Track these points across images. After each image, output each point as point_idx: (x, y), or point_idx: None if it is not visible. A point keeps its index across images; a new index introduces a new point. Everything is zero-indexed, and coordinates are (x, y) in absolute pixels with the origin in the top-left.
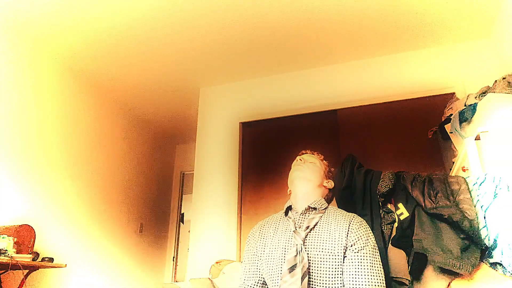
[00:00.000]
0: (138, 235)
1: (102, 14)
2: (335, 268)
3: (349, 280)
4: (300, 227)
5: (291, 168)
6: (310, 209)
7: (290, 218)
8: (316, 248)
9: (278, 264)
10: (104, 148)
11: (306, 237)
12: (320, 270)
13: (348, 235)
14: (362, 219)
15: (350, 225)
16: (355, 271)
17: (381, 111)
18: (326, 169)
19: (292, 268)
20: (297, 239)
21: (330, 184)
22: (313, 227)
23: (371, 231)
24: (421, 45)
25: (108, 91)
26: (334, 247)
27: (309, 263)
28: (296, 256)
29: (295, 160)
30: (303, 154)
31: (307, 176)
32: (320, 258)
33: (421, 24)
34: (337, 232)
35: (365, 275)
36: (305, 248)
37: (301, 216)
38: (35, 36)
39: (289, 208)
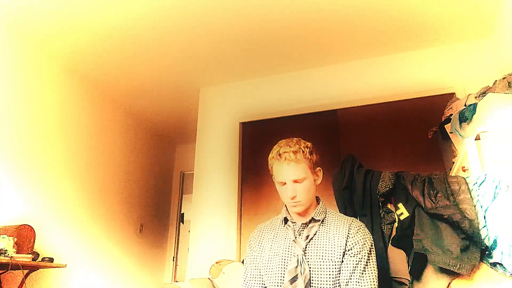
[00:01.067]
0: (138, 235)
1: (102, 14)
2: (336, 275)
3: (343, 284)
4: (300, 235)
5: (277, 171)
6: (312, 220)
7: (289, 226)
8: (317, 257)
9: (278, 273)
10: (104, 148)
11: (306, 246)
12: (321, 278)
13: (347, 240)
14: (361, 223)
15: (349, 230)
16: (349, 275)
17: (381, 111)
18: (311, 163)
19: (293, 279)
20: (297, 249)
21: (320, 176)
22: (313, 236)
23: (369, 235)
24: (421, 45)
25: (108, 91)
26: (334, 253)
27: (310, 272)
28: (297, 267)
29: (282, 182)
30: (285, 153)
31: (303, 198)
32: (321, 265)
33: (421, 24)
34: (337, 238)
35: (357, 280)
36: (306, 257)
37: (301, 225)
38: (34, 36)
39: (287, 218)
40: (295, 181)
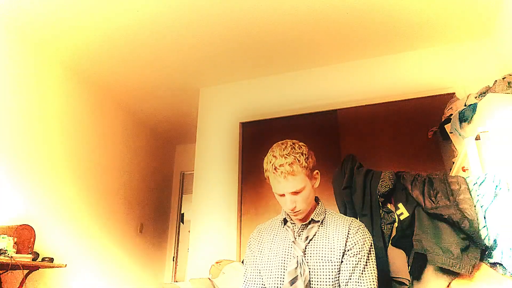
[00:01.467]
0: (138, 235)
1: (103, 15)
2: (336, 275)
3: (343, 284)
4: (299, 236)
5: (275, 178)
6: (311, 221)
7: (288, 227)
8: (316, 257)
9: (278, 275)
10: (105, 148)
11: (305, 247)
12: (321, 279)
13: (347, 240)
14: (361, 223)
15: (349, 230)
16: (349, 276)
17: (381, 111)
18: (308, 170)
19: (293, 281)
20: (297, 250)
21: (318, 179)
22: (313, 237)
23: (369, 235)
24: (421, 45)
25: (108, 91)
26: (334, 254)
27: (310, 273)
28: (296, 268)
29: (280, 194)
30: (281, 167)
31: (303, 207)
32: (321, 266)
33: (421, 24)
34: (336, 239)
35: (356, 280)
36: (305, 258)
37: (301, 226)
38: (36, 37)
39: (286, 219)
40: (294, 193)
